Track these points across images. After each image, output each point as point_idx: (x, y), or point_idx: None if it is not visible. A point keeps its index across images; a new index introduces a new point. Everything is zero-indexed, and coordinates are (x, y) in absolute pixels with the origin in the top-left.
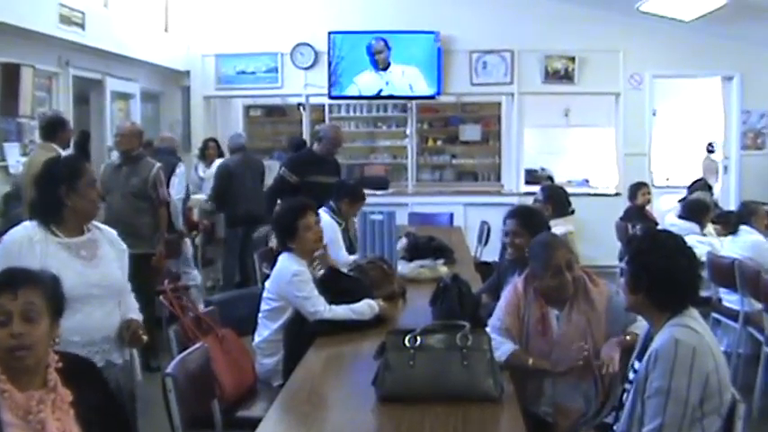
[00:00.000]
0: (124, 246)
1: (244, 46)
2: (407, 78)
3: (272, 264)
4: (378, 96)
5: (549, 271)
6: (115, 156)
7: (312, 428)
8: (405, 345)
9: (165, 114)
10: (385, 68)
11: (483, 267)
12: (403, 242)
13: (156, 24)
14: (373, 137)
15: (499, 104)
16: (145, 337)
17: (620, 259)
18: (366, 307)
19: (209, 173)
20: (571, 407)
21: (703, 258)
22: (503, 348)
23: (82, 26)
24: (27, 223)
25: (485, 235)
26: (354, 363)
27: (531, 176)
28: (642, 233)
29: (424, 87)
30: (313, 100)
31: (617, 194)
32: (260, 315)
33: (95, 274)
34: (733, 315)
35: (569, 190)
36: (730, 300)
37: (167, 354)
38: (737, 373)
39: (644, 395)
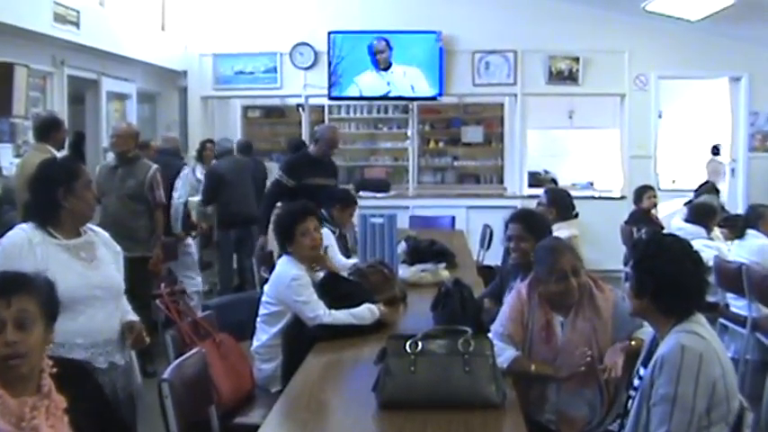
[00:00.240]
0: (119, 248)
1: (242, 46)
2: (409, 79)
3: (271, 267)
4: (379, 97)
5: (553, 276)
6: (111, 157)
7: None
8: (406, 350)
9: (162, 115)
10: (386, 69)
11: (485, 271)
12: (404, 246)
13: (152, 23)
14: (374, 138)
15: (502, 106)
16: (147, 340)
17: (625, 264)
18: (366, 311)
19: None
20: (575, 414)
21: (710, 263)
22: (505, 355)
23: (77, 25)
24: (24, 225)
25: (487, 239)
26: (354, 368)
27: (535, 179)
28: (647, 237)
29: (425, 88)
30: (312, 101)
31: (622, 198)
32: (258, 319)
33: (97, 275)
34: (740, 321)
35: (573, 193)
36: (738, 305)
37: (164, 359)
38: (745, 380)
39: (649, 402)
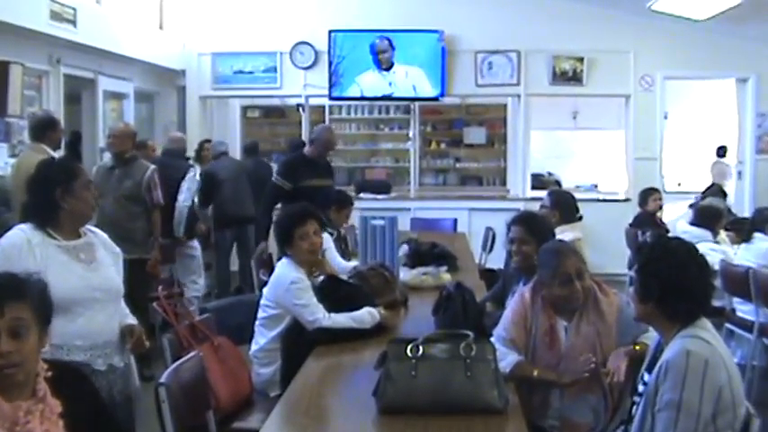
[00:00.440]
0: (118, 249)
1: (241, 44)
2: (411, 79)
3: (270, 270)
4: (380, 98)
5: (557, 279)
6: (107, 158)
7: None
8: (407, 354)
9: (160, 115)
10: (388, 69)
11: (487, 275)
12: (405, 248)
13: (150, 21)
14: (375, 139)
15: (505, 106)
16: (147, 343)
17: (630, 267)
18: (367, 315)
19: None
20: (579, 420)
21: (716, 267)
22: (507, 359)
23: (74, 23)
24: (23, 226)
25: (489, 241)
26: (354, 373)
27: (538, 181)
28: (652, 240)
29: (427, 88)
30: (313, 101)
31: (627, 200)
32: (257, 323)
33: (97, 277)
34: (747, 326)
35: (577, 195)
36: (744, 310)
37: (161, 363)
38: (752, 386)
39: (654, 408)
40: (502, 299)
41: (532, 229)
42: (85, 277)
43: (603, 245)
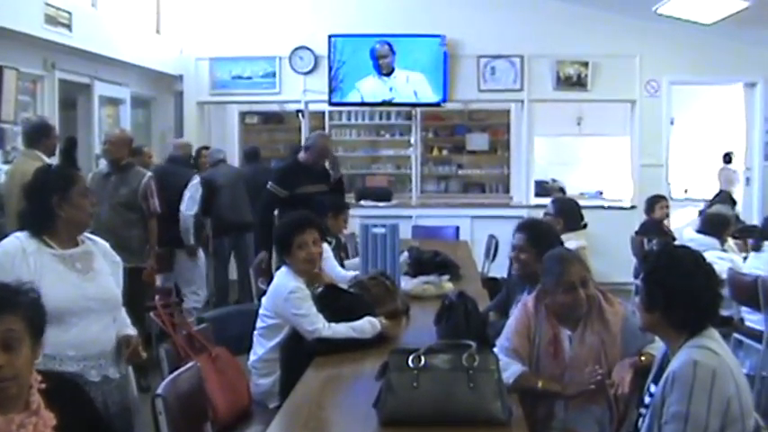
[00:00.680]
0: (118, 258)
1: (240, 49)
2: (412, 84)
3: (269, 279)
4: (381, 103)
5: (561, 287)
6: (103, 164)
7: None
8: (408, 365)
9: (157, 121)
10: (388, 74)
11: (490, 284)
12: (406, 257)
13: (147, 26)
14: (376, 146)
15: (508, 112)
16: (144, 354)
17: (636, 276)
18: (367, 325)
19: None
20: None
21: (724, 275)
22: (511, 370)
23: (69, 27)
24: (19, 234)
25: (492, 249)
26: (355, 384)
27: (542, 188)
28: (659, 249)
29: (429, 94)
30: (312, 107)
31: (632, 207)
32: (255, 333)
33: (92, 287)
34: (756, 336)
35: (582, 202)
36: (753, 319)
37: (158, 373)
38: (761, 397)
39: (660, 420)
40: (506, 308)
41: (533, 238)
42: (80, 287)
43: (609, 253)
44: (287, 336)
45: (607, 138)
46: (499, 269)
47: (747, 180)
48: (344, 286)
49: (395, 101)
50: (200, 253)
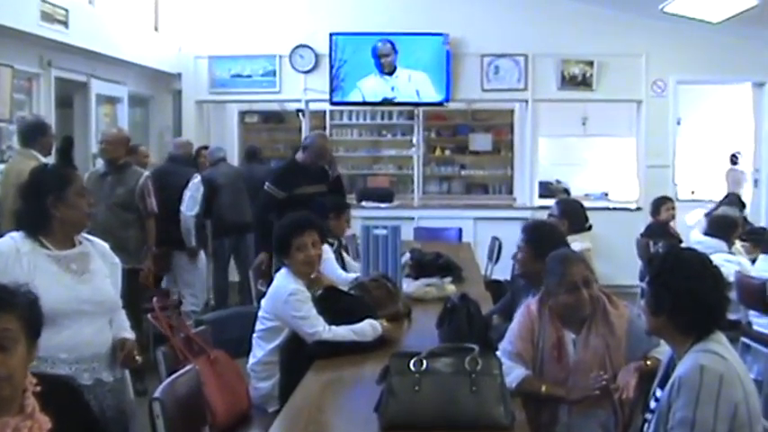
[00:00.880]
0: (116, 259)
1: (239, 47)
2: (414, 84)
3: (269, 281)
4: (382, 103)
5: (563, 287)
6: (100, 164)
7: None
8: (410, 369)
9: (155, 120)
10: (390, 73)
11: (493, 286)
12: (408, 259)
13: (145, 23)
14: (377, 146)
15: (512, 112)
16: (139, 358)
17: (641, 279)
18: (368, 327)
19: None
20: None
21: (731, 278)
22: (514, 374)
23: (65, 24)
24: (14, 234)
25: (495, 251)
26: (356, 388)
27: (546, 189)
28: (665, 251)
29: (431, 93)
30: (313, 106)
31: (638, 209)
32: (255, 335)
33: (86, 289)
34: (764, 340)
35: (587, 204)
36: (761, 323)
37: (155, 376)
38: None
39: (666, 426)
40: (510, 312)
41: (531, 239)
42: (74, 288)
43: (614, 255)
44: (286, 338)
45: (613, 138)
46: (502, 271)
47: (756, 181)
48: (345, 288)
49: (397, 100)
50: (201, 255)
